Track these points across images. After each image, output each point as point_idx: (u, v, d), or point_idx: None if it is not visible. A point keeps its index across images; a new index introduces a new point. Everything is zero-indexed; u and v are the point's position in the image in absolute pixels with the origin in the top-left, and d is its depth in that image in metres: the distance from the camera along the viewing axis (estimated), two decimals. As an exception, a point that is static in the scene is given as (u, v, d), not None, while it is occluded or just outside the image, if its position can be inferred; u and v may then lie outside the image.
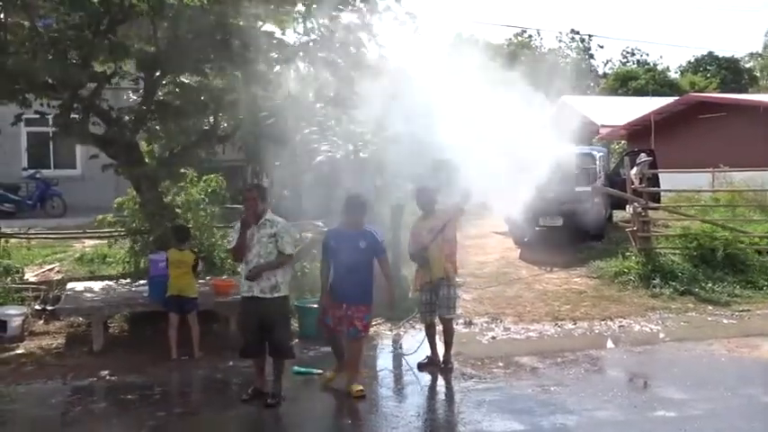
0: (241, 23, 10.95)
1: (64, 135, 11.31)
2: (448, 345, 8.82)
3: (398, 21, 10.58)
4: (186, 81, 11.35)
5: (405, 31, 10.89)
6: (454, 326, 9.14)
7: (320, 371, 8.54)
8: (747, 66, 60.43)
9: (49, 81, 10.07)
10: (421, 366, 8.78)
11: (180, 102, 11.43)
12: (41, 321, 10.49)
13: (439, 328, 8.99)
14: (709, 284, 12.52)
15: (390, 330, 10.51)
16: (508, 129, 10.08)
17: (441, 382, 8.45)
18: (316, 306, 8.97)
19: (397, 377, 8.89)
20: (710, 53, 58.75)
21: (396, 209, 12.71)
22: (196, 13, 10.49)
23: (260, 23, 11.36)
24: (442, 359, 8.77)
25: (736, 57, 59.42)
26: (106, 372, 8.64)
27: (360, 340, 7.97)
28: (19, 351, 9.45)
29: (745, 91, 46.21)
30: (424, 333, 9.14)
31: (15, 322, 9.94)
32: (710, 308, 11.71)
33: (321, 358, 8.95)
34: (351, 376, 7.85)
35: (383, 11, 10.55)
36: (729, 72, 55.23)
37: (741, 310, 11.59)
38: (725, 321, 11.10)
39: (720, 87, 48.24)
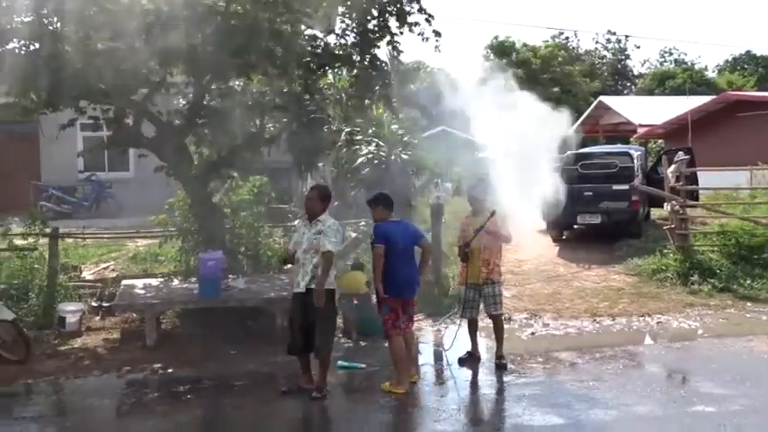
0: (284, 28, 11.02)
1: (117, 139, 11.47)
2: (500, 340, 8.77)
3: (424, 37, 10.56)
4: (233, 86, 11.44)
5: (429, 46, 10.91)
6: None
7: (363, 365, 8.57)
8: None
9: (103, 88, 10.22)
10: (461, 361, 8.77)
11: (226, 106, 11.53)
12: (98, 317, 10.65)
13: (488, 324, 8.97)
14: (748, 281, 12.32)
15: (432, 326, 10.49)
16: (546, 131, 10.04)
17: (481, 376, 8.42)
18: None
19: (439, 372, 8.88)
20: (748, 52, 57.73)
21: (435, 208, 12.71)
22: (241, 18, 10.59)
23: (303, 28, 11.41)
24: (495, 354, 8.70)
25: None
26: (159, 365, 8.77)
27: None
28: (77, 345, 9.61)
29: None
30: (463, 329, 9.11)
31: (73, 318, 10.11)
32: (750, 305, 11.51)
33: (367, 352, 9.00)
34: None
35: (413, 25, 10.55)
36: (767, 70, 54.16)
37: (781, 307, 11.38)
38: (764, 318, 10.89)
39: (758, 86, 47.32)
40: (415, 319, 10.49)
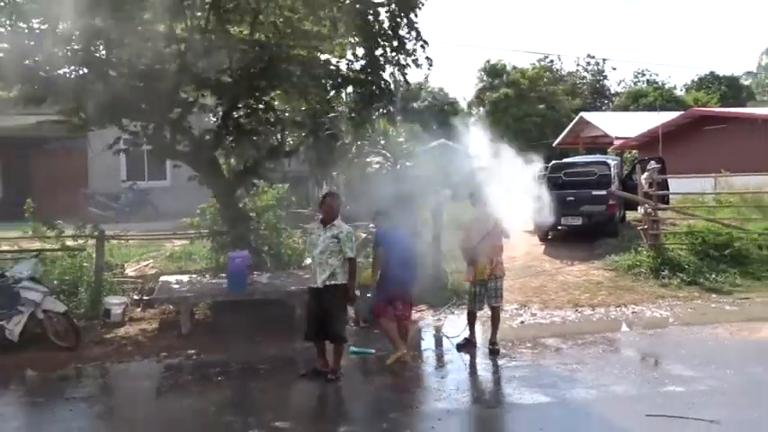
0: (302, 54, 11.05)
1: (156, 152, 11.51)
2: (496, 329, 8.75)
3: (418, 63, 10.52)
4: (256, 105, 11.47)
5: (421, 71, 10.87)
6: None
7: (373, 351, 8.57)
8: (745, 83, 58.99)
9: (143, 107, 10.27)
10: (459, 347, 8.75)
11: (251, 123, 11.57)
12: (139, 309, 10.68)
13: (483, 313, 8.94)
14: (713, 275, 12.28)
15: (433, 315, 10.48)
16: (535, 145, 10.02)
17: (477, 360, 8.41)
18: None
19: (439, 356, 8.87)
20: (712, 72, 57.55)
21: (436, 211, 12.69)
22: (263, 47, 10.63)
23: (318, 54, 11.44)
24: (489, 341, 8.67)
25: (735, 75, 58.15)
26: (192, 351, 8.79)
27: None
28: (120, 334, 9.64)
29: (743, 105, 45.05)
30: (461, 318, 9.09)
31: (117, 310, 10.15)
32: (714, 296, 11.46)
33: (376, 339, 9.01)
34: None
35: (412, 51, 10.48)
36: (729, 89, 54.00)
37: (742, 298, 11.33)
38: (727, 308, 10.84)
39: (721, 102, 47.17)
40: (419, 309, 10.55)
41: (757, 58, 63.26)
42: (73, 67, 10.57)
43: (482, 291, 8.69)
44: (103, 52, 10.53)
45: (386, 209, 8.60)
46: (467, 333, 8.87)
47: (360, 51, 10.42)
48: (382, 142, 14.27)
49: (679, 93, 55.03)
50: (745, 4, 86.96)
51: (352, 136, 12.30)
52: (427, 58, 10.44)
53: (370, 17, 9.92)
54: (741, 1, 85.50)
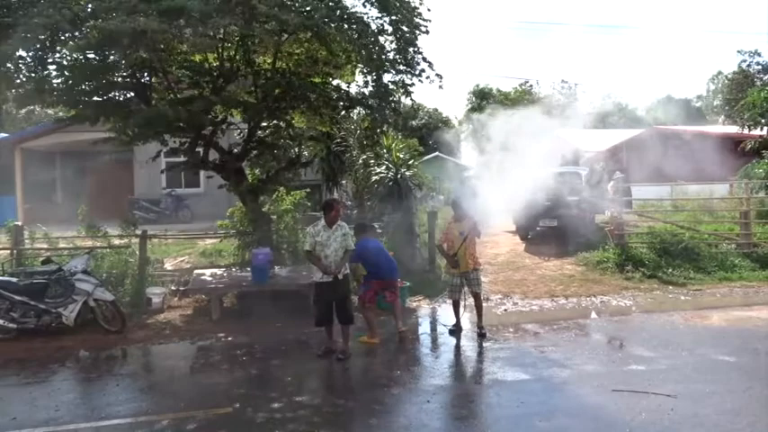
0: (316, 80, 11.05)
1: (191, 164, 11.54)
2: (480, 315, 8.71)
3: (430, 79, 10.40)
4: (277, 123, 11.48)
5: (433, 86, 10.74)
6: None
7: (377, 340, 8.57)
8: (696, 105, 58.85)
9: (180, 125, 10.29)
10: (451, 332, 8.72)
11: (273, 138, 11.57)
12: (176, 298, 10.68)
13: (470, 301, 8.91)
14: (670, 270, 12.21)
15: (428, 305, 10.45)
16: (517, 155, 10.02)
17: (465, 343, 8.37)
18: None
19: (433, 340, 8.85)
20: (668, 95, 57.43)
21: (431, 214, 12.69)
22: (284, 74, 10.63)
23: (330, 79, 11.44)
24: (477, 327, 8.61)
25: (688, 98, 58.02)
26: (222, 334, 8.79)
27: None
28: (160, 319, 9.66)
29: (694, 124, 44.91)
30: (465, 309, 9.06)
31: (158, 299, 10.16)
32: (671, 288, 11.41)
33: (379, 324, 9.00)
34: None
35: (417, 74, 10.38)
36: (683, 110, 53.82)
37: (694, 290, 11.27)
38: (682, 298, 10.79)
39: (676, 121, 47.01)
40: (415, 299, 10.53)
41: (706, 83, 63.15)
42: (121, 92, 10.60)
43: (462, 281, 8.69)
44: (147, 78, 10.56)
45: (361, 225, 8.91)
46: (456, 319, 8.84)
47: (369, 78, 10.34)
48: (386, 155, 14.25)
49: (641, 113, 54.88)
50: (697, 37, 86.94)
51: (359, 149, 12.27)
52: (438, 75, 10.36)
53: (377, 47, 9.84)
54: (693, 34, 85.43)
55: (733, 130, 21.57)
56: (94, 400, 6.57)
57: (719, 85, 59.02)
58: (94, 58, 9.43)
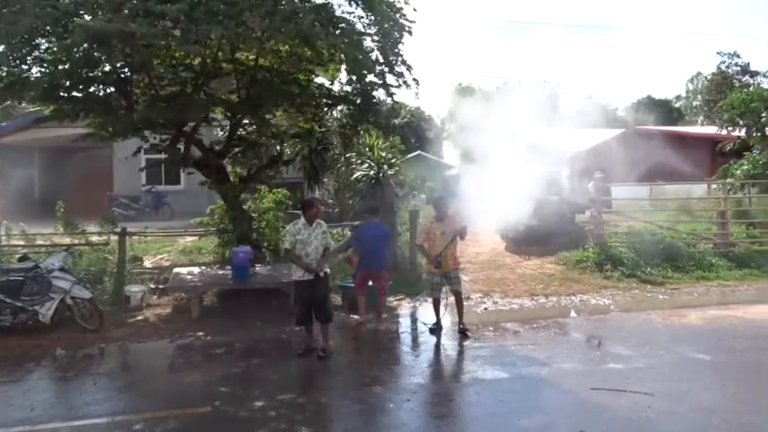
0: (299, 77, 11.00)
1: (172, 160, 11.44)
2: (461, 313, 8.74)
3: (407, 84, 10.39)
4: (260, 120, 11.42)
5: (410, 92, 10.70)
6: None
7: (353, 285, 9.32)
8: (676, 105, 59.60)
9: (162, 122, 10.20)
10: (431, 330, 8.74)
11: (255, 135, 11.51)
12: (155, 296, 10.59)
13: (451, 299, 8.94)
14: (648, 269, 12.36)
15: (409, 303, 10.48)
16: (498, 154, 10.06)
17: (445, 341, 8.40)
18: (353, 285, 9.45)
19: (414, 338, 8.87)
20: (649, 96, 58.05)
21: (413, 213, 12.71)
22: (267, 71, 10.57)
23: (313, 76, 11.39)
24: (459, 324, 8.64)
25: (667, 99, 58.72)
26: (201, 333, 8.74)
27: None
28: (139, 318, 9.56)
29: (674, 125, 45.50)
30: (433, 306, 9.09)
31: (137, 297, 10.07)
32: (649, 287, 11.54)
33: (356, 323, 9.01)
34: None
35: (398, 75, 10.36)
36: (663, 110, 54.47)
37: (672, 288, 11.43)
38: (660, 297, 10.93)
39: (656, 122, 47.57)
40: (397, 297, 10.55)
41: (685, 84, 63.94)
42: (100, 86, 10.46)
43: (442, 281, 8.71)
44: (128, 74, 10.44)
45: (372, 208, 9.43)
46: (436, 318, 8.87)
47: (352, 77, 10.30)
48: (368, 153, 14.23)
49: (621, 113, 55.46)
50: (677, 39, 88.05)
51: (342, 147, 12.24)
52: (414, 79, 10.34)
53: (361, 50, 9.82)
54: (673, 36, 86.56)
55: (712, 130, 21.86)
56: (71, 399, 6.50)
57: (699, 86, 59.87)
58: (77, 55, 9.30)
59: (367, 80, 10.11)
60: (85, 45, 8.72)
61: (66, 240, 11.11)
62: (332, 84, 11.57)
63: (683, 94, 62.00)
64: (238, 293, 9.97)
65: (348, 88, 10.60)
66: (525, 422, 5.69)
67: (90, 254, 10.78)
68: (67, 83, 9.74)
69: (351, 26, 9.54)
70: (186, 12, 8.17)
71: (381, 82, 10.00)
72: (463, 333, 8.46)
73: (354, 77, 10.10)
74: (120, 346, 8.39)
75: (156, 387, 6.88)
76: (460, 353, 8.01)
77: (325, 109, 11.83)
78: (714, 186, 17.19)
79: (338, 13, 9.66)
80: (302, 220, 7.62)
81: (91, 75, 9.86)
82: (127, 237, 10.90)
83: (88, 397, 6.44)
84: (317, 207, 7.84)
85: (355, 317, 9.17)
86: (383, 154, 13.86)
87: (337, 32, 9.26)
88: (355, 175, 13.68)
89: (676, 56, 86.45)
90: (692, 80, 61.20)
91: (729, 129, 18.67)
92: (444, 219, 8.66)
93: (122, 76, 10.35)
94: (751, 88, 25.22)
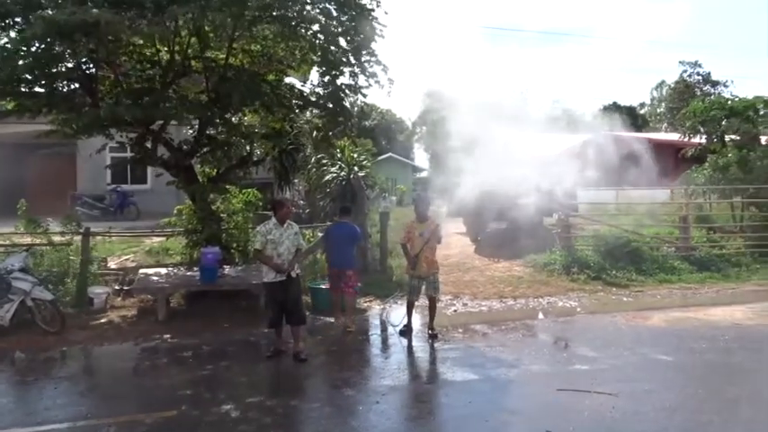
0: (270, 77, 10.92)
1: (138, 159, 11.23)
2: (433, 316, 8.75)
3: (380, 84, 10.39)
4: (229, 120, 11.30)
5: (383, 91, 10.71)
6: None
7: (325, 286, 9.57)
8: (641, 112, 60.88)
9: (128, 119, 10.02)
10: (401, 332, 8.75)
11: (224, 135, 11.39)
12: (119, 298, 10.38)
13: (425, 303, 8.94)
14: (614, 272, 12.57)
15: (379, 305, 10.47)
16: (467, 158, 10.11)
17: (415, 343, 8.41)
18: (325, 287, 9.49)
19: (384, 340, 8.86)
20: (615, 102, 59.16)
21: (383, 215, 12.72)
22: (236, 71, 10.47)
23: (284, 77, 11.32)
24: (428, 328, 8.66)
25: (632, 105, 59.93)
26: (168, 335, 8.60)
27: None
28: (103, 320, 9.37)
29: (639, 131, 46.47)
30: (404, 308, 9.09)
31: (100, 298, 9.87)
32: (614, 289, 11.74)
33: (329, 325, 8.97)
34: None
35: (370, 76, 10.36)
36: (628, 117, 55.59)
37: (636, 291, 11.65)
38: (625, 299, 11.13)
39: (622, 128, 48.45)
40: (367, 299, 10.54)
41: (650, 91, 65.47)
42: (65, 82, 10.22)
43: (420, 284, 8.71)
44: (94, 70, 10.22)
45: (344, 208, 9.67)
46: (407, 320, 8.87)
47: (324, 78, 10.27)
48: (339, 155, 14.21)
49: (587, 119, 56.38)
50: (642, 47, 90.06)
51: (312, 148, 12.20)
52: (389, 79, 10.33)
53: (333, 47, 9.80)
54: (638, 44, 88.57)
55: (675, 137, 22.36)
56: (30, 404, 6.32)
57: (663, 94, 61.30)
58: (38, 49, 9.07)
59: (338, 82, 10.10)
60: (48, 39, 8.52)
61: (27, 240, 10.81)
62: (303, 84, 11.54)
63: (648, 102, 63.43)
64: (206, 295, 9.83)
65: (320, 90, 10.57)
66: (493, 424, 5.73)
67: (52, 254, 10.51)
68: (30, 77, 9.51)
69: (324, 25, 9.52)
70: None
71: (353, 83, 10.00)
72: (433, 336, 8.49)
73: (326, 79, 10.07)
74: (82, 349, 8.20)
75: (119, 391, 6.73)
76: (430, 355, 8.04)
77: (296, 111, 11.76)
78: (676, 191, 17.60)
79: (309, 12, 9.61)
80: (273, 220, 7.56)
81: (54, 70, 9.64)
82: (91, 237, 10.66)
83: (48, 402, 6.27)
84: (288, 207, 7.83)
85: (330, 319, 9.16)
86: (354, 156, 13.87)
87: (309, 33, 9.24)
88: (326, 177, 13.64)
89: (641, 64, 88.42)
90: (656, 88, 62.69)
91: (691, 136, 19.12)
92: (425, 221, 8.67)
93: (87, 71, 10.15)
94: (712, 97, 25.92)
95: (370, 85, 10.17)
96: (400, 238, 9.16)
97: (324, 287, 9.83)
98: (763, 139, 17.74)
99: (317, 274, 10.84)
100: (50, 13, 8.00)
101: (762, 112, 18.12)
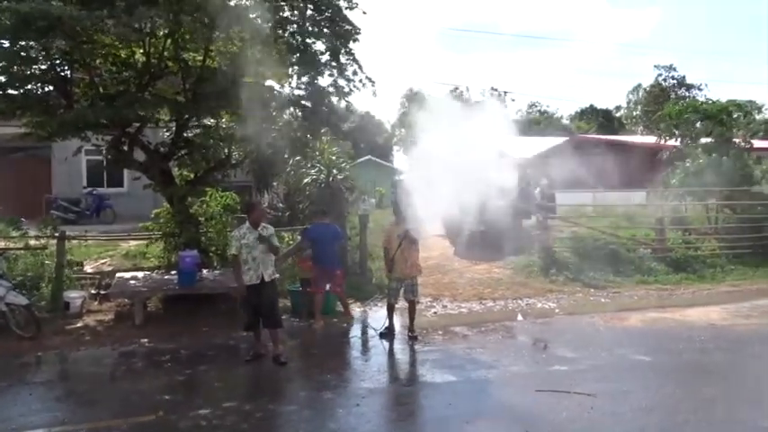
0: (248, 79, 10.84)
1: (115, 162, 11.09)
2: (412, 319, 8.77)
3: (362, 83, 10.40)
4: (207, 122, 11.22)
5: (365, 91, 10.70)
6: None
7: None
8: (617, 115, 61.68)
9: (104, 122, 9.90)
10: (381, 335, 8.75)
11: (202, 138, 11.29)
12: (96, 302, 10.23)
13: (402, 305, 8.95)
14: (592, 273, 12.68)
15: (360, 308, 10.46)
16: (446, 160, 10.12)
17: (395, 346, 8.43)
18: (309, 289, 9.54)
19: (364, 342, 8.86)
20: (591, 105, 59.87)
21: (362, 217, 12.71)
22: (214, 72, 10.40)
23: (262, 79, 11.25)
24: (408, 330, 8.69)
25: (609, 108, 60.71)
26: (145, 340, 8.50)
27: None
28: (79, 325, 9.23)
29: (616, 133, 47.08)
30: (384, 310, 9.10)
31: (76, 303, 9.71)
32: (592, 290, 11.86)
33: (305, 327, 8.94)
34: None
35: (351, 75, 10.36)
36: (604, 119, 56.29)
37: (614, 292, 11.78)
38: (602, 300, 11.26)
39: (598, 130, 49.10)
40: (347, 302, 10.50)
41: (626, 94, 66.36)
42: (39, 84, 10.06)
43: (399, 286, 8.72)
44: (68, 72, 10.08)
45: (321, 209, 9.83)
46: (388, 323, 8.88)
47: (303, 79, 10.26)
48: (318, 157, 14.15)
49: (565, 122, 57.05)
50: (617, 51, 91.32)
51: (291, 151, 12.13)
52: (368, 78, 10.33)
53: (310, 49, 9.79)
54: (613, 48, 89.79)
55: (651, 140, 22.68)
56: (5, 410, 6.19)
57: (639, 97, 62.14)
58: (10, 49, 8.92)
59: (317, 82, 10.09)
60: (16, 33, 8.38)
61: (1, 244, 10.62)
62: (282, 87, 11.48)
63: (624, 105, 64.28)
64: (185, 299, 9.73)
65: (299, 92, 10.55)
66: (473, 426, 5.75)
67: (27, 258, 10.34)
68: (3, 80, 9.36)
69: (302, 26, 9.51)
70: None
71: (333, 85, 10.01)
72: (412, 338, 8.50)
73: (305, 79, 10.06)
74: (58, 354, 8.07)
75: (96, 396, 6.63)
76: (410, 357, 8.06)
77: (275, 113, 11.69)
78: (652, 194, 17.85)
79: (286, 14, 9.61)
80: (246, 224, 7.52)
81: (29, 72, 9.50)
82: (66, 240, 10.50)
83: (23, 408, 6.15)
84: (260, 210, 7.81)
85: (310, 321, 9.17)
86: (333, 158, 13.83)
87: (287, 34, 9.22)
88: (305, 180, 13.58)
89: (618, 68, 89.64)
90: (633, 91, 63.54)
91: (666, 138, 19.40)
92: (401, 223, 8.69)
93: (62, 74, 10.01)
94: (686, 100, 26.33)
95: (350, 90, 10.19)
96: (382, 242, 9.18)
97: (301, 290, 9.80)
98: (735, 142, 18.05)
99: (295, 276, 10.79)
100: (15, 4, 7.89)
101: (735, 116, 18.46)
